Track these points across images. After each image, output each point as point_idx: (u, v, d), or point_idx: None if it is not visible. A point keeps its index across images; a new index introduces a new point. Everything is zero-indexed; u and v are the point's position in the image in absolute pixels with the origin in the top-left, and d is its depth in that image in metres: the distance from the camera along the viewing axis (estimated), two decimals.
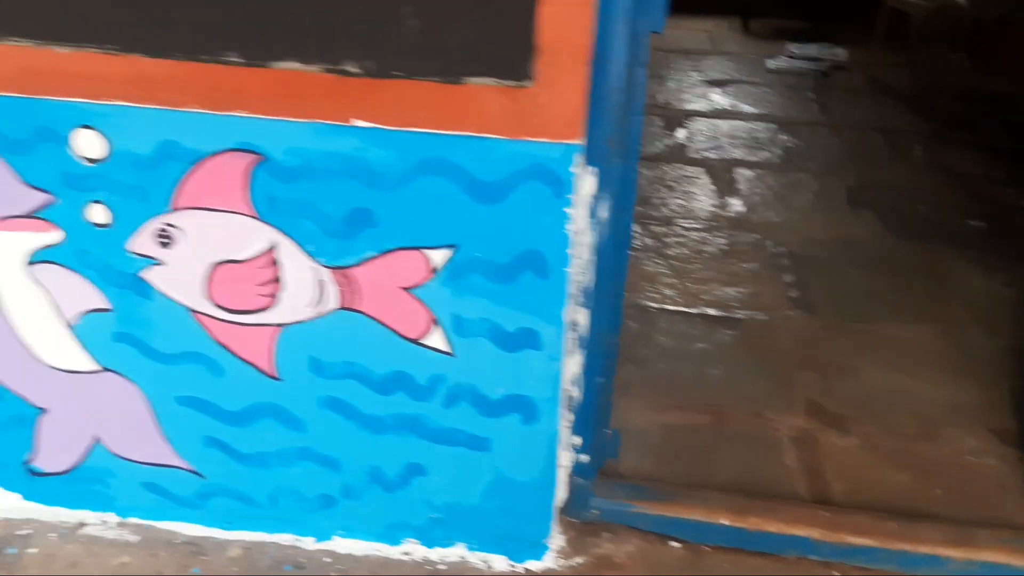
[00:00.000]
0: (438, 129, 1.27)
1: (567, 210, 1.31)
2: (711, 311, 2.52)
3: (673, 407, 2.08)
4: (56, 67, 1.31)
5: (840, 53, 5.30)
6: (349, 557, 1.64)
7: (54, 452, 1.65)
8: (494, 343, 1.42)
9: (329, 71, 1.26)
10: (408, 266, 1.39)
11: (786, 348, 2.37)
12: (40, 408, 1.61)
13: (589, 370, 1.52)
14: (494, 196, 1.31)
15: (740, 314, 2.52)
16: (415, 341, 1.45)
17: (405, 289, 1.41)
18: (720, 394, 2.15)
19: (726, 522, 1.65)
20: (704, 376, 2.22)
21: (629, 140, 1.38)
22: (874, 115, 4.42)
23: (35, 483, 1.69)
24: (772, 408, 2.10)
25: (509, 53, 1.20)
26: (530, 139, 1.26)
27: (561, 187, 1.29)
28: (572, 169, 1.28)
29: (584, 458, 1.62)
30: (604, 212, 1.40)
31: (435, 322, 1.42)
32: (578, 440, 1.59)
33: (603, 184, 1.37)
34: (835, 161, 3.81)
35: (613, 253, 1.45)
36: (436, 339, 1.44)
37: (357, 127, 1.29)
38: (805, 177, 3.60)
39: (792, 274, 2.77)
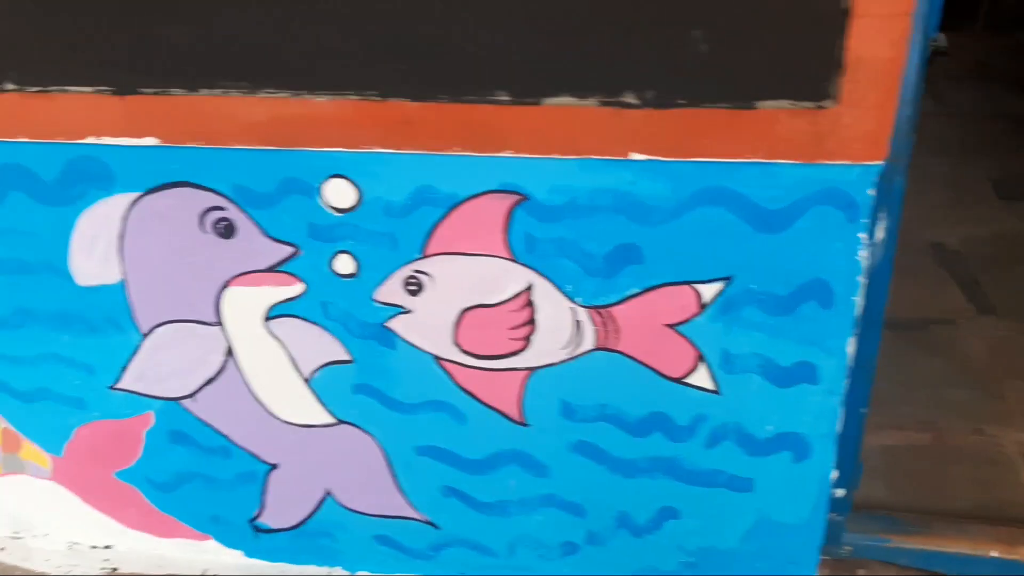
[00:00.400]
0: (721, 157, 1.20)
1: (860, 235, 1.22)
2: (889, 318, 2.40)
3: (887, 426, 1.97)
4: (311, 117, 1.26)
5: (939, 37, 5.11)
6: None
7: (283, 508, 1.61)
8: (766, 379, 1.34)
9: (606, 104, 1.19)
10: (675, 302, 1.31)
11: (982, 355, 2.24)
12: (270, 464, 1.57)
13: (852, 400, 1.43)
14: (777, 224, 1.23)
15: (922, 320, 2.40)
16: (678, 380, 1.37)
17: (670, 326, 1.34)
18: (930, 409, 2.03)
19: (996, 554, 1.54)
20: (906, 390, 2.11)
21: (907, 155, 1.29)
22: (993, 102, 4.24)
23: (260, 540, 1.66)
24: (990, 422, 1.98)
25: (810, 73, 1.12)
26: (824, 162, 1.18)
27: (855, 211, 1.20)
28: (869, 192, 1.19)
29: (840, 492, 1.52)
30: (880, 233, 1.31)
31: (701, 359, 1.35)
32: (835, 474, 1.50)
33: (880, 204, 1.28)
34: (968, 152, 3.64)
35: (883, 275, 1.36)
36: (701, 377, 1.36)
37: (631, 160, 1.22)
38: (941, 170, 3.44)
39: (961, 274, 2.64)
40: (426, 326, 1.40)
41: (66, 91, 1.30)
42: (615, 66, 1.17)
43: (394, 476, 1.54)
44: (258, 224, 1.36)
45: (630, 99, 1.19)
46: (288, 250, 1.38)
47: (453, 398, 1.45)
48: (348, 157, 1.29)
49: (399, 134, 1.26)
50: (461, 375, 1.43)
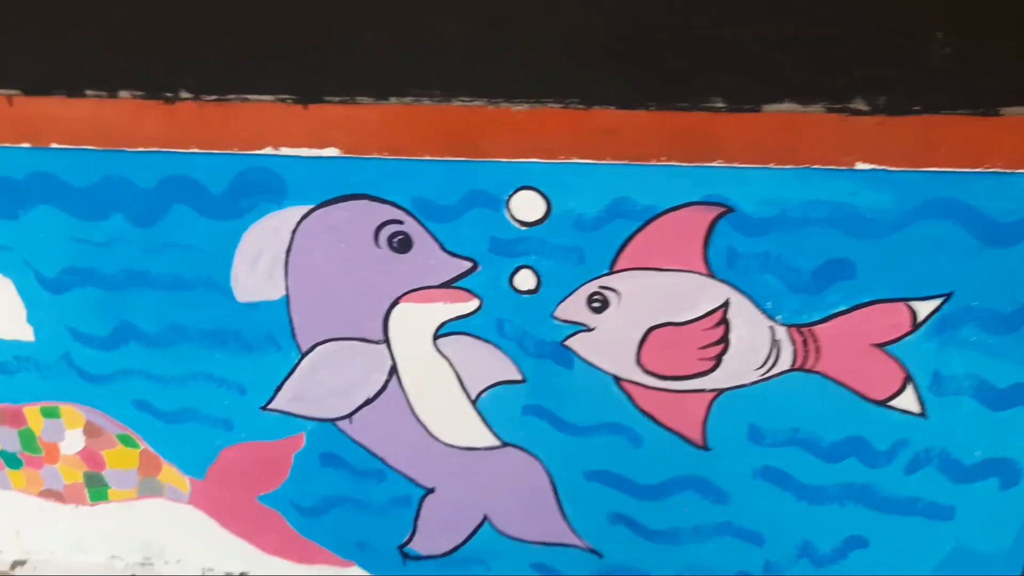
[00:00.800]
0: (955, 167, 1.12)
1: None
2: None
3: None
4: (505, 126, 1.20)
5: None
6: None
7: (436, 534, 1.54)
8: (978, 401, 1.26)
9: (832, 111, 1.12)
10: (886, 320, 1.24)
11: None
12: (426, 488, 1.50)
13: None
14: (1009, 238, 1.15)
15: None
16: (880, 403, 1.29)
17: (877, 345, 1.26)
18: None
19: None
20: None
21: None
22: None
23: (407, 567, 1.58)
24: None
25: None
26: None
27: None
28: None
29: None
30: None
31: (908, 381, 1.27)
32: None
33: None
34: None
35: None
36: (907, 400, 1.28)
37: (854, 170, 1.15)
38: None
39: None
40: (608, 345, 1.33)
41: (245, 99, 1.24)
42: (845, 70, 1.11)
43: (558, 501, 1.47)
44: (436, 238, 1.30)
45: (860, 105, 1.12)
46: (466, 265, 1.31)
47: (630, 420, 1.38)
48: (541, 168, 1.23)
49: (601, 144, 1.19)
50: (641, 396, 1.36)
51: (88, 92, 1.27)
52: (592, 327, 1.32)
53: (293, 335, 1.40)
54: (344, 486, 1.52)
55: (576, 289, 1.30)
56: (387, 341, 1.38)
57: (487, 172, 1.24)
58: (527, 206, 1.25)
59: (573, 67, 1.16)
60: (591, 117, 1.18)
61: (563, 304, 1.31)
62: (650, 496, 1.43)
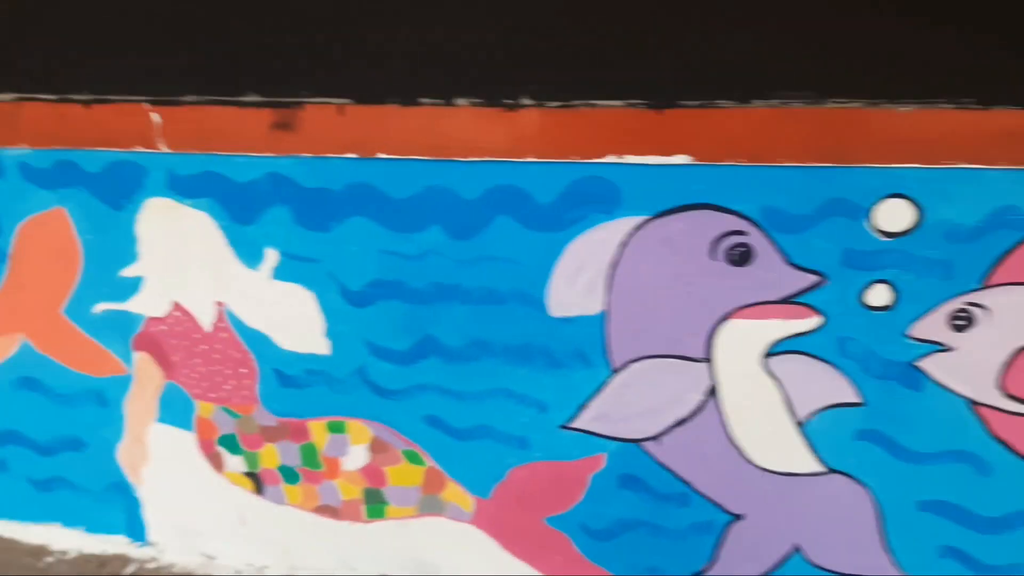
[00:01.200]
0: None
1: None
2: None
3: None
4: (884, 128, 1.11)
5: None
6: None
7: (740, 562, 1.45)
8: None
9: None
10: None
11: None
12: (733, 514, 1.42)
13: None
14: None
15: None
16: None
17: None
18: None
19: None
20: None
21: None
22: None
23: None
24: None
25: None
26: None
27: None
28: None
29: None
30: None
31: None
32: None
33: None
34: None
35: None
36: None
37: None
38: None
39: None
40: (968, 366, 1.22)
41: (592, 105, 1.18)
42: None
43: (883, 532, 1.36)
44: (781, 250, 1.22)
45: None
46: (811, 279, 1.22)
47: (981, 448, 1.26)
48: (916, 174, 1.13)
49: (996, 147, 1.09)
50: (998, 422, 1.24)
51: (423, 100, 1.24)
52: (951, 347, 1.22)
53: (606, 351, 1.34)
54: (642, 509, 1.44)
55: (939, 305, 1.20)
56: (709, 359, 1.31)
57: (853, 178, 1.15)
58: (894, 215, 1.16)
59: (970, 61, 1.07)
60: (989, 118, 1.08)
61: (921, 321, 1.21)
62: (992, 529, 1.31)
